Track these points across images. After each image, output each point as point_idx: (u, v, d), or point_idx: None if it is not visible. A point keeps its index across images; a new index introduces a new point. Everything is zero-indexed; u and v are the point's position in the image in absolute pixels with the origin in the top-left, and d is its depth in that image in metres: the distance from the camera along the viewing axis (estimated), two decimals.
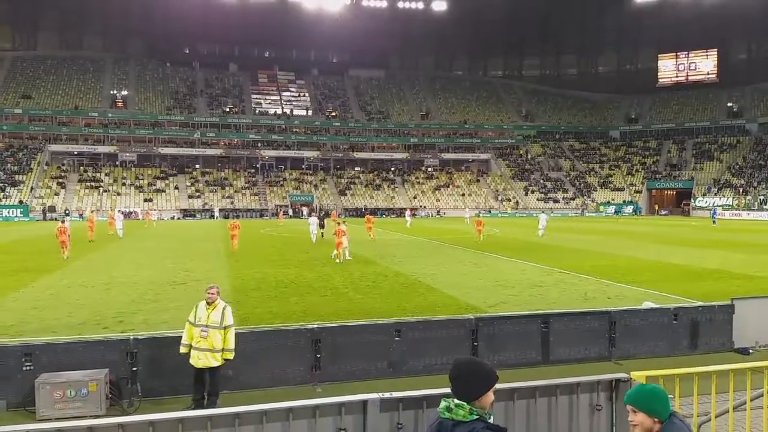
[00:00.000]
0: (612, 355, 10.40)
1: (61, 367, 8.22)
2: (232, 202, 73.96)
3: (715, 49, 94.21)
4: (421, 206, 77.22)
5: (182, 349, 8.17)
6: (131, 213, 63.78)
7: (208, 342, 8.02)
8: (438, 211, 77.04)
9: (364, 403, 4.84)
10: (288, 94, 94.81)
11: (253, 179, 79.69)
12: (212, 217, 67.77)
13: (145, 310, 14.28)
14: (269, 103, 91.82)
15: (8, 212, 62.41)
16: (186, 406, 7.86)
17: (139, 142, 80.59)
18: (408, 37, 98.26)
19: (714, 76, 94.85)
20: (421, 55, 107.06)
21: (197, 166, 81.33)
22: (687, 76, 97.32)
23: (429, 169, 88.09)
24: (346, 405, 4.84)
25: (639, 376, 5.21)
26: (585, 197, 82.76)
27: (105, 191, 71.53)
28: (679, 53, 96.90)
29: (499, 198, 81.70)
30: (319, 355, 9.11)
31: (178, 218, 67.95)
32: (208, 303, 8.22)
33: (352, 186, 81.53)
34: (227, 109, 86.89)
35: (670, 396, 3.24)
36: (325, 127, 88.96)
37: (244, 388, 8.72)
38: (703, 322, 10.96)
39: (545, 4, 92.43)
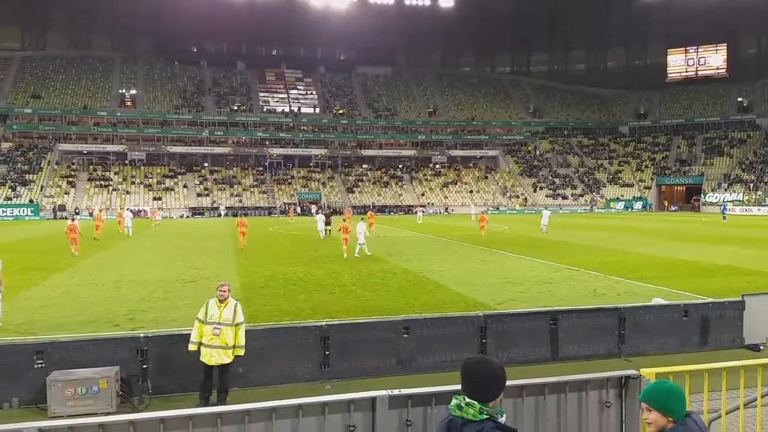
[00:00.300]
0: (621, 351, 10.36)
1: (72, 365, 8.28)
2: (240, 200, 74.16)
3: (725, 44, 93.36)
4: (429, 203, 77.13)
5: (191, 347, 8.20)
6: (140, 211, 64.08)
7: (221, 339, 8.09)
8: (446, 208, 76.92)
9: (373, 400, 4.84)
10: (295, 92, 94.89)
11: (262, 177, 79.86)
12: (219, 215, 67.81)
13: (155, 308, 14.36)
14: (277, 101, 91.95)
15: (19, 211, 62.87)
16: (195, 404, 7.91)
17: (147, 141, 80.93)
18: (415, 34, 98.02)
19: (723, 70, 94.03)
20: (428, 51, 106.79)
21: (206, 164, 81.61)
22: (696, 71, 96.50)
23: (437, 166, 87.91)
24: (355, 402, 4.84)
25: (649, 372, 5.19)
26: (594, 193, 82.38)
27: (114, 190, 71.89)
28: (688, 48, 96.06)
29: (508, 195, 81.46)
30: (327, 353, 9.14)
31: (187, 216, 68.19)
32: (220, 300, 8.27)
33: (359, 183, 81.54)
34: (235, 108, 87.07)
35: None
36: (333, 124, 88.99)
37: (254, 385, 8.76)
38: (714, 319, 10.91)
39: (553, 0, 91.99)
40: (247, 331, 8.50)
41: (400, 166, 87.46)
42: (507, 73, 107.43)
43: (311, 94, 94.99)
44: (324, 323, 9.67)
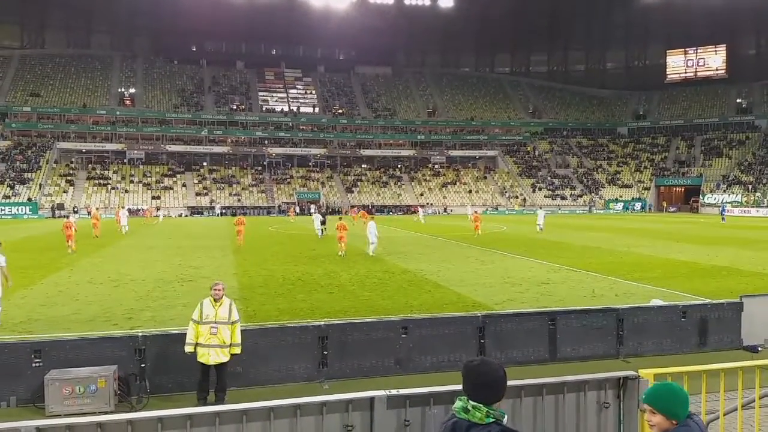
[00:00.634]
0: (620, 352, 10.36)
1: (70, 364, 8.28)
2: (239, 200, 74.15)
3: (724, 45, 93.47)
4: (428, 203, 77.13)
5: (188, 349, 8.18)
6: (138, 210, 64.03)
7: (218, 338, 8.11)
8: (445, 209, 76.94)
9: (371, 399, 4.84)
10: (295, 91, 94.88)
11: (260, 177, 79.84)
12: (218, 215, 67.67)
13: (153, 307, 14.35)
14: (276, 101, 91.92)
15: (17, 210, 62.83)
16: (193, 404, 7.90)
17: (146, 140, 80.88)
18: (414, 34, 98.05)
19: (723, 71, 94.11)
20: (427, 51, 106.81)
21: (204, 163, 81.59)
22: (696, 72, 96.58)
23: (436, 166, 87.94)
24: (353, 402, 4.84)
25: (647, 373, 5.19)
26: (593, 194, 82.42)
27: (113, 189, 71.84)
28: (687, 49, 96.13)
29: (506, 195, 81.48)
30: (326, 352, 9.13)
31: (186, 215, 68.15)
32: (214, 299, 8.27)
33: (358, 183, 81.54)
34: (234, 107, 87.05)
35: None
36: (332, 124, 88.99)
37: (252, 385, 8.76)
38: (712, 320, 10.91)
39: (552, 0, 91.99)
40: (245, 331, 8.52)
41: (399, 166, 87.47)
42: (506, 73, 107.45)
43: (310, 93, 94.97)
44: (322, 323, 9.67)
